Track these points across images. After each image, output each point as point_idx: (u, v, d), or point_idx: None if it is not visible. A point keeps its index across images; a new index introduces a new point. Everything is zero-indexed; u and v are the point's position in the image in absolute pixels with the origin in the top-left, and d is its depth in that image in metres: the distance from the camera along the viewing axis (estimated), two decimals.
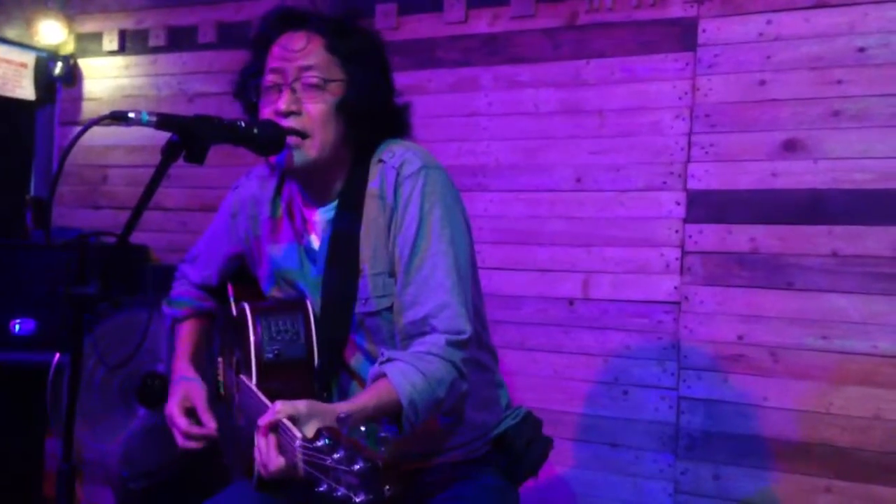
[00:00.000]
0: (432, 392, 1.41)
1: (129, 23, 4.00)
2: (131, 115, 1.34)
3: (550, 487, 2.96)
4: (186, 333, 1.89)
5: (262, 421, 1.21)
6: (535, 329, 3.05)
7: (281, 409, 1.21)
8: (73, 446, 1.49)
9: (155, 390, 2.22)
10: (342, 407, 1.29)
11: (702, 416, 2.82)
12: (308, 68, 1.56)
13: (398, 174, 1.56)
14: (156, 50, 3.93)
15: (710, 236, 2.83)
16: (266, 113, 1.57)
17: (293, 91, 1.56)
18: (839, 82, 2.66)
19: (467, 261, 1.57)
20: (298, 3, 1.67)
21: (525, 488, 1.79)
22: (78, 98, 4.07)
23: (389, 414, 1.37)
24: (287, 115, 1.54)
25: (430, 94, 3.30)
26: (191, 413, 1.73)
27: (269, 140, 1.46)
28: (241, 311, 1.63)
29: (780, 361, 2.72)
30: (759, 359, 2.74)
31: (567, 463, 2.98)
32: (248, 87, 1.66)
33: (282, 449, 1.18)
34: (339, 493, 1.02)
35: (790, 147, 2.72)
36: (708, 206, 2.84)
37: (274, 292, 1.74)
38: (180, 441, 1.72)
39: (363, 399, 1.36)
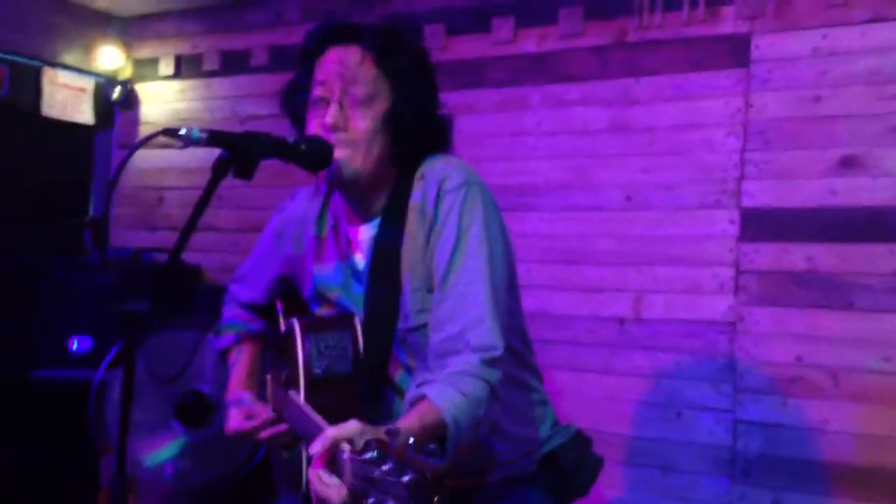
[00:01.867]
0: (473, 411, 1.38)
1: (184, 48, 4.09)
2: (182, 131, 1.36)
3: None
4: (236, 360, 1.89)
5: (314, 450, 1.19)
6: (586, 349, 3.01)
7: (333, 434, 1.18)
8: (125, 461, 1.50)
9: (193, 409, 2.22)
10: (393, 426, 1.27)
11: (759, 439, 2.75)
12: (355, 83, 1.56)
13: (440, 188, 1.54)
14: (210, 74, 4.01)
15: (766, 255, 2.77)
16: (313, 127, 1.58)
17: (341, 106, 1.56)
18: None
19: (504, 279, 1.54)
20: (346, 18, 1.67)
21: None
22: (135, 122, 4.17)
23: (433, 435, 1.34)
24: (334, 129, 1.54)
25: (478, 113, 3.30)
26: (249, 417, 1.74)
27: (317, 156, 1.47)
28: (290, 327, 1.63)
29: (840, 384, 2.64)
30: (819, 381, 2.67)
31: (618, 487, 2.92)
32: (296, 101, 1.67)
33: (333, 468, 1.17)
34: None
35: (847, 164, 2.66)
36: (763, 225, 2.78)
37: (320, 311, 1.74)
38: (249, 440, 1.73)
39: (408, 421, 1.33)
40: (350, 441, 1.14)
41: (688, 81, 2.93)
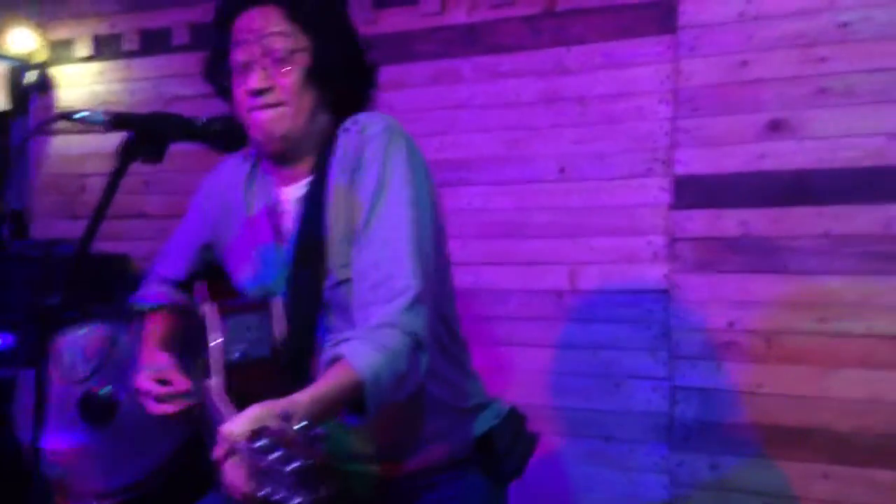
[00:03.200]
0: (393, 366, 1.32)
1: (101, 28, 3.93)
2: (82, 114, 1.27)
3: (544, 484, 2.91)
4: (153, 325, 1.80)
5: (217, 454, 1.14)
6: (523, 323, 2.99)
7: (227, 428, 1.13)
8: (39, 464, 1.43)
9: (99, 406, 2.08)
10: (299, 397, 1.22)
11: (696, 405, 2.77)
12: (273, 40, 1.52)
13: (361, 136, 1.51)
14: (130, 54, 3.86)
15: (698, 222, 2.78)
16: (239, 94, 1.54)
17: (263, 67, 1.52)
18: (823, 59, 2.61)
19: (430, 224, 1.50)
20: None
21: (519, 486, 1.73)
22: (51, 107, 4.00)
23: (351, 398, 1.29)
24: (260, 92, 1.50)
25: (409, 87, 3.24)
26: (163, 383, 1.66)
27: (230, 136, 1.40)
28: (206, 312, 1.57)
29: (773, 347, 2.67)
30: (753, 345, 2.69)
31: (561, 459, 2.92)
32: (219, 70, 1.62)
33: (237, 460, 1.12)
34: (278, 497, 0.96)
35: (775, 127, 2.67)
36: (695, 192, 2.78)
37: (243, 281, 1.68)
38: (151, 406, 1.63)
39: (321, 386, 1.27)
40: (250, 431, 1.09)
41: (617, 49, 2.91)
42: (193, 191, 3.59)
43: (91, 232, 1.40)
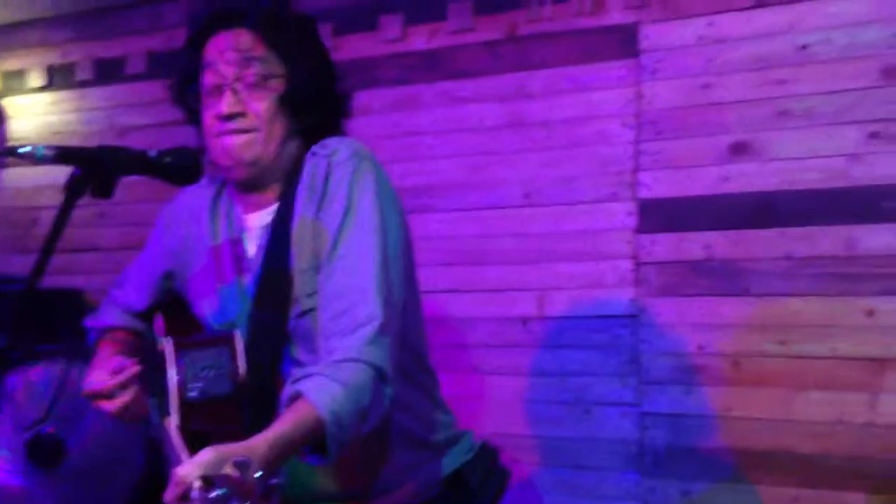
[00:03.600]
0: (356, 401, 1.28)
1: (54, 57, 3.85)
2: (25, 149, 1.22)
3: None
4: (106, 346, 1.69)
5: (168, 497, 1.08)
6: (491, 351, 2.95)
7: (180, 473, 1.07)
8: None
9: (45, 448, 1.97)
10: (256, 442, 1.17)
11: (666, 431, 2.74)
12: (247, 65, 1.48)
13: (329, 161, 1.48)
14: (84, 84, 3.79)
15: (664, 245, 2.77)
16: (208, 118, 1.51)
17: (235, 92, 1.48)
18: (783, 82, 2.62)
19: (398, 253, 1.47)
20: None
21: None
22: (2, 139, 3.90)
23: (312, 437, 1.24)
24: (231, 117, 1.47)
25: (371, 114, 3.20)
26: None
27: (185, 169, 1.35)
28: (164, 347, 1.51)
29: (741, 370, 2.66)
30: (721, 368, 2.68)
31: (531, 488, 2.87)
32: (187, 93, 1.59)
33: None
34: None
35: (738, 150, 2.68)
36: (660, 215, 2.77)
37: (206, 314, 1.62)
38: (105, 405, 1.53)
39: (280, 427, 1.22)
40: (202, 477, 1.03)
41: (580, 74, 2.90)
42: (150, 222, 3.54)
43: (39, 268, 1.34)
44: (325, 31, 3.25)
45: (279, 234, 1.50)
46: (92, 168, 1.25)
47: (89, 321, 1.78)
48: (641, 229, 2.79)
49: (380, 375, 1.33)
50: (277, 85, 1.49)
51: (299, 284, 1.46)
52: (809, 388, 2.56)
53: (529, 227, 2.95)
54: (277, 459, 1.17)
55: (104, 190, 1.27)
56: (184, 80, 1.59)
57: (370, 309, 1.36)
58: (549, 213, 2.92)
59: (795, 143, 2.60)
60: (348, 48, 3.25)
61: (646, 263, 2.79)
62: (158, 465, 2.82)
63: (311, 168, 1.50)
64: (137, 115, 3.63)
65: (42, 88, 3.86)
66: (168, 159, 1.32)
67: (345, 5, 3.26)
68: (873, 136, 2.51)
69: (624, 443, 2.79)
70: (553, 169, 2.93)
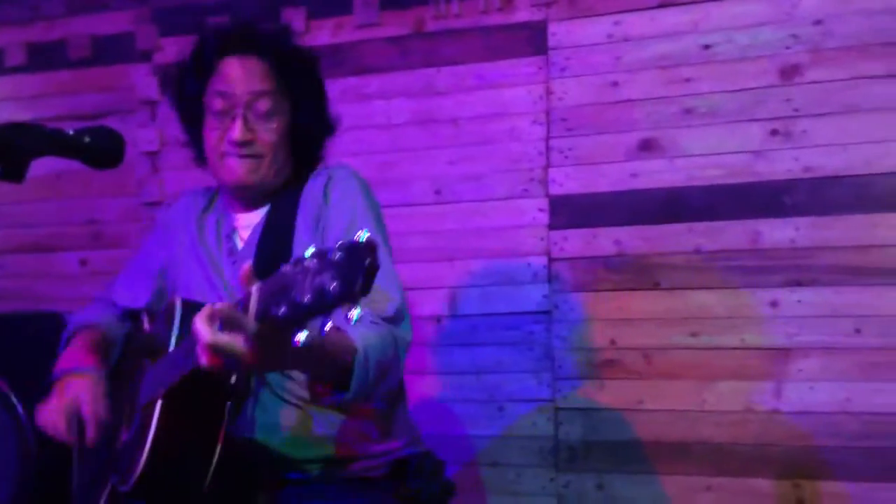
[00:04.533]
0: (381, 353, 1.37)
1: None
2: None
3: None
4: (89, 335, 1.71)
5: (205, 321, 1.13)
6: None
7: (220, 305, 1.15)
8: None
9: None
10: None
11: (580, 425, 2.75)
12: (260, 96, 1.59)
13: (329, 178, 1.65)
14: None
15: (576, 242, 2.78)
16: (213, 139, 1.61)
17: (245, 120, 1.59)
18: (688, 80, 2.68)
19: (389, 246, 1.65)
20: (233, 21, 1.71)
21: None
22: None
23: (339, 364, 1.30)
24: (241, 144, 1.58)
25: None
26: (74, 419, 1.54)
27: (105, 150, 1.24)
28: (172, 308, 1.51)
29: (652, 363, 2.70)
30: (633, 362, 2.71)
31: None
32: (188, 104, 1.68)
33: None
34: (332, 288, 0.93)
35: (646, 147, 2.72)
36: (571, 211, 2.79)
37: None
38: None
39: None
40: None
41: (489, 70, 2.89)
42: (32, 223, 3.33)
43: None
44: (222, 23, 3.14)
45: (276, 226, 1.62)
46: (2, 148, 1.12)
47: (73, 315, 1.82)
48: (553, 226, 2.80)
49: (402, 345, 1.47)
50: (285, 117, 1.63)
51: None
52: (718, 378, 2.62)
53: (440, 224, 2.91)
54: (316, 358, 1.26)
55: (14, 172, 1.15)
56: (188, 97, 1.67)
57: (388, 293, 1.49)
58: (460, 211, 2.89)
59: (701, 140, 2.66)
60: None
61: (558, 259, 2.80)
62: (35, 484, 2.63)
63: (313, 182, 1.67)
64: (18, 108, 3.39)
65: None
66: (87, 139, 1.21)
67: None
68: (774, 133, 2.60)
69: (539, 438, 2.79)
70: (463, 166, 2.90)
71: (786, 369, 2.57)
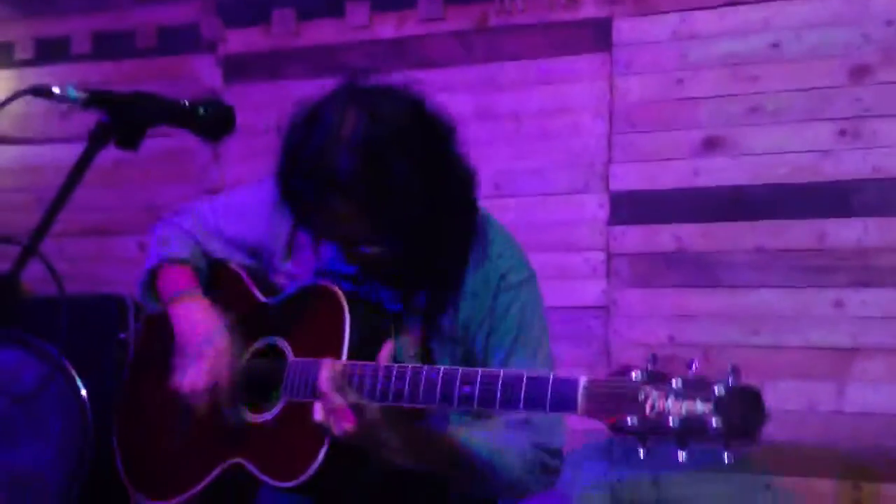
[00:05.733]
0: (522, 471, 1.45)
1: None
2: (56, 89, 1.13)
3: None
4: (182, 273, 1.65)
5: None
6: None
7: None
8: None
9: None
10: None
11: None
12: (363, 244, 1.44)
13: (502, 279, 1.54)
14: (23, 63, 3.59)
15: (635, 237, 2.78)
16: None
17: (353, 254, 1.48)
18: (755, 78, 2.67)
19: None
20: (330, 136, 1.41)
21: None
22: None
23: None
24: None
25: None
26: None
27: (216, 121, 1.27)
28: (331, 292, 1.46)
29: (712, 360, 2.68)
30: (692, 358, 2.69)
31: None
32: (300, 205, 1.46)
33: None
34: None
35: (710, 144, 2.72)
36: (631, 207, 2.79)
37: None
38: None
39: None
40: None
41: (552, 66, 2.90)
42: (92, 207, 3.38)
43: (45, 224, 1.25)
44: (287, 15, 3.20)
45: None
46: (123, 115, 1.16)
47: (160, 249, 1.69)
48: (613, 221, 2.81)
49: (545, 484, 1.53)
50: (397, 248, 1.46)
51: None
52: (780, 377, 2.61)
53: (500, 218, 2.89)
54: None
55: (130, 140, 1.18)
56: (299, 199, 1.45)
57: (559, 426, 1.53)
58: (520, 205, 2.91)
59: (766, 138, 2.66)
60: (312, 34, 3.19)
61: (617, 255, 2.80)
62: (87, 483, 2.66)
63: (482, 272, 1.53)
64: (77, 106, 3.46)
65: None
66: (201, 110, 1.24)
67: None
68: (842, 133, 2.58)
69: (594, 433, 2.78)
70: (524, 160, 2.92)
71: (849, 370, 2.55)
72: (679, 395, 1.03)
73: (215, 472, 1.50)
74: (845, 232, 2.56)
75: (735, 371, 1.07)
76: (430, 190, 1.41)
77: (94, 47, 3.51)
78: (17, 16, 3.61)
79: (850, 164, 2.56)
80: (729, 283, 2.68)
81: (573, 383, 1.16)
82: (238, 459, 1.48)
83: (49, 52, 3.55)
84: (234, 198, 1.77)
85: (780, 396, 2.61)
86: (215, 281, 1.68)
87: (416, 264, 1.49)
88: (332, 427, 1.29)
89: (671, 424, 1.01)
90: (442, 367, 1.31)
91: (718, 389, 1.01)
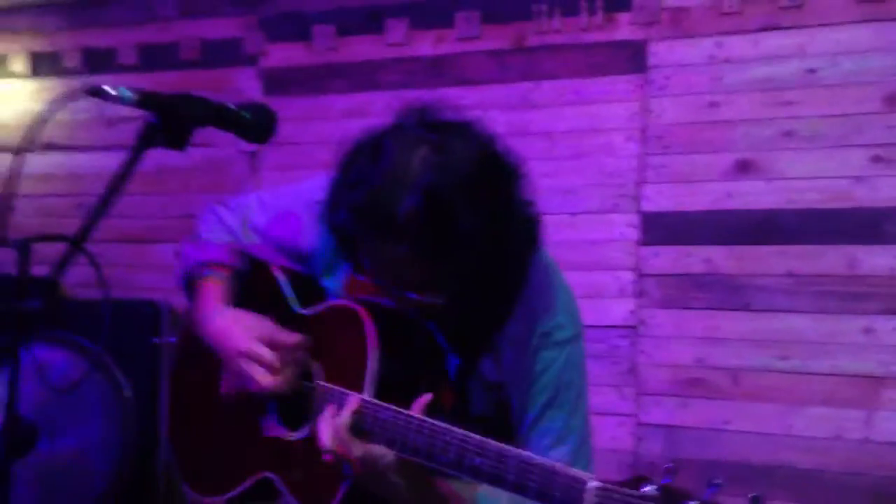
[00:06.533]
0: None
1: (40, 45, 3.75)
2: (109, 89, 1.17)
3: None
4: (218, 286, 1.59)
5: None
6: None
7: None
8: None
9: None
10: None
11: (661, 442, 2.75)
12: (409, 288, 1.34)
13: (547, 335, 1.44)
14: (70, 72, 3.69)
15: (666, 258, 2.79)
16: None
17: (400, 299, 1.39)
18: (789, 103, 2.68)
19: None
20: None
21: None
22: None
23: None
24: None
25: (371, 116, 3.16)
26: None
27: (260, 126, 1.31)
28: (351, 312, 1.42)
29: (739, 384, 2.68)
30: (719, 382, 2.70)
31: None
32: (347, 239, 1.39)
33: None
34: None
35: (743, 168, 2.72)
36: (662, 228, 2.80)
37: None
38: (263, 380, 1.44)
39: None
40: None
41: (586, 86, 2.93)
42: (130, 215, 3.44)
43: (91, 222, 1.30)
44: (327, 30, 3.26)
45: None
46: (171, 116, 1.20)
47: (193, 250, 1.65)
48: (643, 241, 2.82)
49: None
50: (441, 303, 1.37)
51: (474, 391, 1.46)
52: (808, 403, 2.60)
53: None
54: None
55: (178, 140, 1.23)
56: (348, 234, 1.38)
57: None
58: (551, 223, 2.88)
59: (800, 163, 2.66)
60: (351, 50, 3.24)
61: (647, 275, 2.81)
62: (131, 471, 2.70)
63: (525, 326, 1.43)
64: (128, 108, 3.54)
65: (25, 75, 3.75)
66: (247, 115, 1.28)
67: (349, 6, 3.25)
68: (876, 159, 2.58)
69: (619, 453, 2.79)
70: (556, 179, 2.94)
71: (878, 398, 2.53)
72: None
73: (250, 482, 1.53)
74: (877, 259, 2.55)
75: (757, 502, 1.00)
76: (493, 241, 1.30)
77: (139, 59, 3.60)
78: (65, 26, 3.71)
79: (884, 191, 2.56)
80: (758, 306, 2.68)
81: (584, 484, 1.09)
82: (269, 474, 1.50)
83: (96, 62, 3.65)
84: (282, 198, 1.68)
85: (807, 423, 2.60)
86: (253, 284, 1.65)
87: (466, 314, 1.40)
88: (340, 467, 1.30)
89: None
90: (461, 431, 1.24)
91: None
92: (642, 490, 1.01)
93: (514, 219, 1.39)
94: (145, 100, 1.18)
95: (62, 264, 1.39)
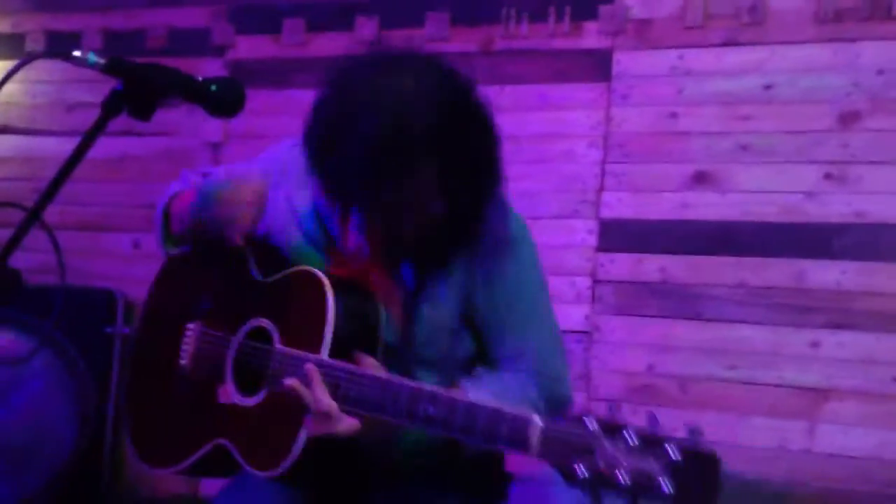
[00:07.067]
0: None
1: (1, 26, 3.69)
2: (76, 53, 1.17)
3: None
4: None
5: None
6: None
7: None
8: None
9: None
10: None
11: None
12: (424, 217, 1.43)
13: (497, 238, 1.59)
14: (32, 55, 3.63)
15: (622, 265, 2.83)
16: (365, 231, 1.48)
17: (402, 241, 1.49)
18: (747, 118, 2.74)
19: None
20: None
21: None
22: None
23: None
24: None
25: None
26: None
27: (227, 99, 1.31)
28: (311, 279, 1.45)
29: (688, 392, 2.73)
30: (669, 389, 2.74)
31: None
32: (345, 194, 1.43)
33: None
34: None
35: (700, 179, 2.78)
36: (620, 235, 2.84)
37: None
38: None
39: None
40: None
41: (551, 92, 2.97)
42: (87, 202, 3.39)
43: (50, 193, 1.29)
44: (297, 25, 3.26)
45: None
46: (137, 85, 1.20)
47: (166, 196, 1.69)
48: (601, 248, 2.86)
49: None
50: (443, 217, 1.44)
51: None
52: (753, 413, 2.65)
53: None
54: None
55: (143, 109, 1.22)
56: (351, 196, 1.42)
57: (568, 391, 1.59)
58: None
59: (755, 177, 2.72)
60: (321, 45, 3.25)
61: (603, 281, 2.85)
62: (89, 443, 2.69)
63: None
64: (88, 91, 3.49)
65: None
66: (214, 87, 1.28)
67: (320, 2, 3.25)
68: (828, 176, 2.65)
69: None
70: (517, 182, 2.93)
71: (821, 410, 2.59)
72: (633, 452, 1.01)
73: (203, 450, 1.52)
74: (825, 274, 2.62)
75: (694, 433, 1.06)
76: (494, 143, 1.52)
77: (104, 43, 3.55)
78: (29, 7, 3.67)
79: (834, 207, 2.63)
80: (710, 316, 2.73)
81: (529, 424, 1.13)
82: (223, 441, 1.49)
83: (60, 45, 3.60)
84: (252, 165, 1.70)
85: (751, 433, 2.65)
86: (216, 250, 1.64)
87: (453, 234, 1.48)
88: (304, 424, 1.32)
89: (622, 481, 0.99)
90: (412, 382, 1.29)
91: (674, 451, 0.99)
92: (586, 424, 1.07)
93: (496, 129, 1.55)
94: (112, 65, 1.18)
95: (18, 233, 1.38)
